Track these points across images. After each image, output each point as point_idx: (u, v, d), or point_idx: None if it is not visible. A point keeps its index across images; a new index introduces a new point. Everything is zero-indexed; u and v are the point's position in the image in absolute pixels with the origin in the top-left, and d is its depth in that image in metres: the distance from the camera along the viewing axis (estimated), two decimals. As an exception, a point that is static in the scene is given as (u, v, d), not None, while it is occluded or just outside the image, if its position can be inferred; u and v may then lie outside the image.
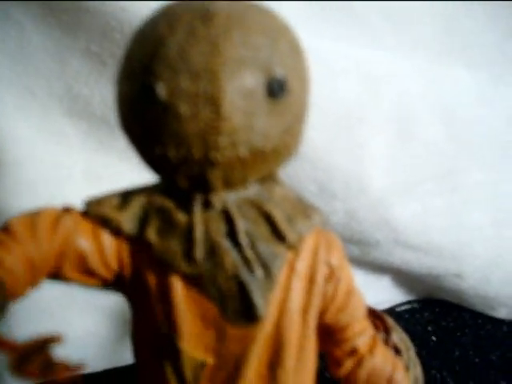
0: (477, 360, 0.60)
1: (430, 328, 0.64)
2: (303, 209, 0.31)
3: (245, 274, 0.29)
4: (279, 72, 0.26)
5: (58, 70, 0.48)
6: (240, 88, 0.25)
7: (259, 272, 0.29)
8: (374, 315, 0.44)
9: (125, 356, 0.60)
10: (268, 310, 0.30)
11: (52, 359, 0.23)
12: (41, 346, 0.23)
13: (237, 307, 0.29)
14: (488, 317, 0.66)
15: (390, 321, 0.41)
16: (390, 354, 0.35)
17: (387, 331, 0.40)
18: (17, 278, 0.26)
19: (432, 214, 0.57)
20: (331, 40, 0.51)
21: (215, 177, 0.27)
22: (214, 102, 0.25)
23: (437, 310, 0.67)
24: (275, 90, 0.26)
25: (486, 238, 0.60)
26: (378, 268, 0.63)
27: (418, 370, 0.40)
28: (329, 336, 0.34)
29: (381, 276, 0.65)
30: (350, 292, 0.33)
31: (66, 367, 0.22)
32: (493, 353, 0.61)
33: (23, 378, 0.22)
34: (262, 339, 0.30)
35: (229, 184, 0.28)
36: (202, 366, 0.31)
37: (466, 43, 0.54)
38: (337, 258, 0.32)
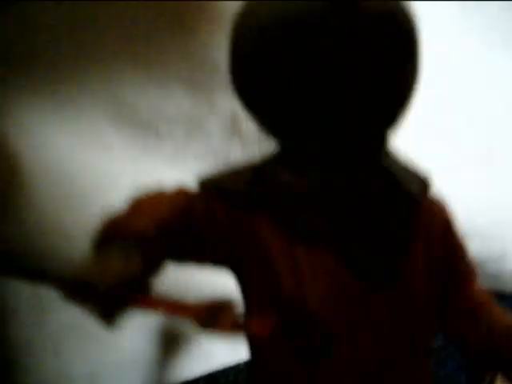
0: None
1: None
2: (416, 171, 0.32)
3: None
4: None
5: (102, 77, 0.47)
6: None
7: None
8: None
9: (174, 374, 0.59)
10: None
11: (237, 316, 0.22)
12: (221, 306, 0.22)
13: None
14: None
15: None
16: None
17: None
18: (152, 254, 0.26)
19: (475, 197, 0.58)
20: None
21: None
22: None
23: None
24: None
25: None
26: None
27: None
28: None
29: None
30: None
31: (254, 322, 0.21)
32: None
33: (216, 332, 0.21)
34: (393, 304, 0.30)
35: None
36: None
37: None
38: (449, 214, 0.34)
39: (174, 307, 0.22)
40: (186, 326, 0.58)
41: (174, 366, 0.60)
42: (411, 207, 0.30)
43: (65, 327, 0.53)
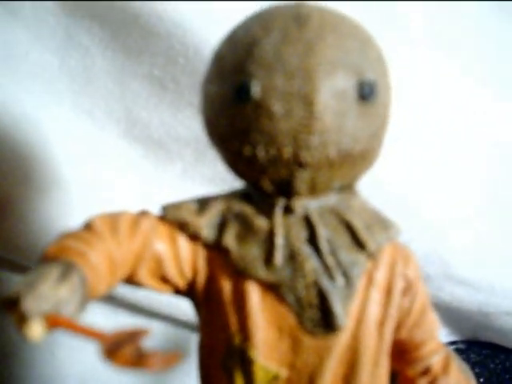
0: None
1: (477, 370, 0.62)
2: (381, 220, 0.31)
3: (325, 282, 0.28)
4: (370, 75, 0.26)
5: (119, 92, 0.49)
6: (333, 88, 0.25)
7: (340, 279, 0.28)
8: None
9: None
10: (346, 320, 0.29)
11: (143, 349, 0.22)
12: (130, 337, 0.22)
13: (315, 316, 0.29)
14: (538, 360, 0.64)
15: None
16: (463, 375, 0.34)
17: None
18: (99, 275, 0.26)
19: (484, 248, 0.56)
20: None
21: (302, 180, 0.27)
22: (307, 101, 0.25)
23: (483, 351, 0.65)
24: (366, 92, 0.26)
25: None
26: (427, 305, 0.61)
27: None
28: (402, 354, 0.33)
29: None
30: (426, 308, 0.32)
31: (159, 357, 0.22)
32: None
33: (116, 364, 0.22)
34: (338, 351, 0.30)
35: (313, 188, 0.28)
36: (275, 379, 0.30)
37: None
38: (413, 271, 0.31)
39: (85, 331, 0.23)
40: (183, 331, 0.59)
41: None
42: (368, 258, 0.30)
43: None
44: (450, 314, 0.63)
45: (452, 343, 0.66)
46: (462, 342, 0.67)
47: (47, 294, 0.23)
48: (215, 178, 0.52)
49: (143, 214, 0.30)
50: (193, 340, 0.60)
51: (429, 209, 0.54)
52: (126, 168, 0.52)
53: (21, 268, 0.51)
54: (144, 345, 0.23)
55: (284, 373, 0.30)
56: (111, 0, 0.45)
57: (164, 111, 0.50)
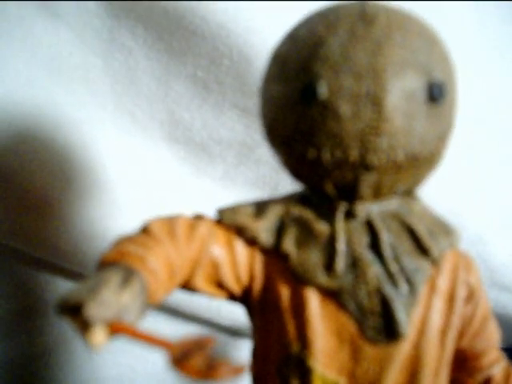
0: None
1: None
2: (442, 226, 0.30)
3: (388, 289, 0.27)
4: (438, 75, 0.25)
5: (162, 94, 0.49)
6: (402, 89, 0.25)
7: (404, 287, 0.27)
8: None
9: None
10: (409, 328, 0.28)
11: (212, 358, 0.21)
12: (198, 346, 0.22)
13: (377, 324, 0.28)
14: None
15: None
16: None
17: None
18: (158, 281, 0.26)
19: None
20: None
21: (367, 184, 0.26)
22: (376, 102, 0.24)
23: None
24: (435, 93, 0.25)
25: None
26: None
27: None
28: (462, 363, 0.32)
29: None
30: (487, 316, 0.31)
31: (227, 367, 0.21)
32: None
33: (185, 373, 0.21)
34: (400, 361, 0.29)
35: (377, 193, 0.27)
36: (333, 387, 0.29)
37: None
38: (476, 279, 0.30)
39: (151, 339, 0.22)
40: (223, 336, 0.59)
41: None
42: (432, 264, 0.29)
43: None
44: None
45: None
46: (504, 349, 0.65)
47: (110, 301, 0.22)
48: (258, 181, 0.52)
49: (199, 218, 0.30)
50: (231, 345, 0.60)
51: (472, 213, 0.53)
52: (168, 170, 0.51)
53: (63, 271, 0.51)
54: (211, 354, 0.22)
55: (343, 382, 0.29)
56: (154, 0, 0.44)
57: (207, 113, 0.49)
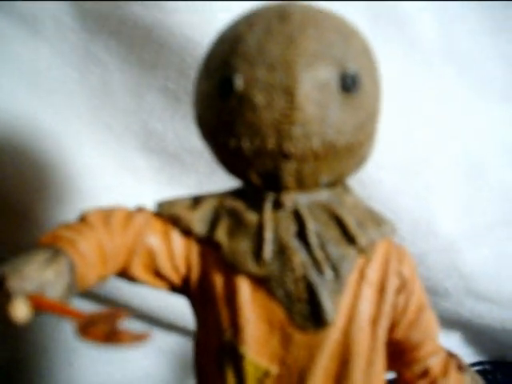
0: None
1: (504, 391, 0.60)
2: (374, 217, 0.31)
3: (313, 275, 0.28)
4: (352, 67, 0.27)
5: (135, 105, 0.51)
6: (314, 80, 0.26)
7: (328, 273, 0.28)
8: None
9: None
10: (336, 315, 0.29)
11: (117, 327, 0.23)
12: (106, 317, 0.23)
13: (304, 310, 0.29)
14: None
15: (463, 361, 0.39)
16: (463, 378, 0.33)
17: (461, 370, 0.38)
18: (88, 264, 0.27)
19: (504, 262, 0.55)
20: (394, 80, 0.51)
21: (288, 171, 0.27)
22: (288, 92, 0.26)
23: (511, 371, 0.62)
24: (348, 84, 0.26)
25: None
26: (447, 322, 0.60)
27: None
28: (399, 355, 0.32)
29: (450, 332, 0.62)
30: (422, 307, 0.32)
31: (130, 335, 0.22)
32: None
33: (88, 339, 0.22)
34: (329, 348, 0.29)
35: (301, 181, 0.28)
36: (265, 375, 0.30)
37: None
38: (408, 270, 0.31)
39: (64, 310, 0.23)
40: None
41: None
42: (359, 253, 0.29)
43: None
44: (473, 332, 0.61)
45: (479, 364, 0.65)
46: (489, 362, 0.65)
47: (32, 275, 0.24)
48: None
49: (138, 209, 0.31)
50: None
51: (446, 221, 0.53)
52: (142, 180, 0.53)
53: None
54: (121, 325, 0.23)
55: (274, 369, 0.30)
56: (119, 0, 0.46)
57: (178, 123, 0.51)
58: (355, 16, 0.48)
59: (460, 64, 0.54)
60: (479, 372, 0.63)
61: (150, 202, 0.52)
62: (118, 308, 0.24)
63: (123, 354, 0.59)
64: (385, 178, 0.51)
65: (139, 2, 0.45)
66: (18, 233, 0.49)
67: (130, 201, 0.52)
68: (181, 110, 0.50)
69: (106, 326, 0.22)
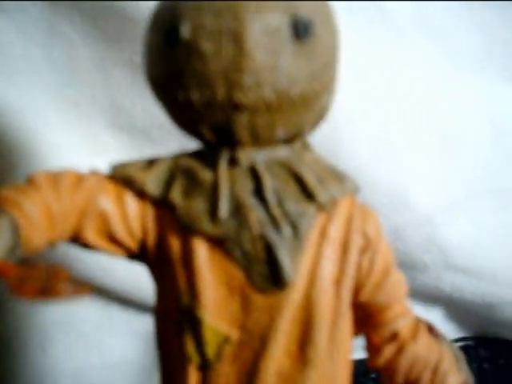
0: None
1: (485, 366, 0.60)
2: (335, 174, 0.30)
3: (271, 233, 0.27)
4: (303, 13, 0.25)
5: (102, 81, 0.49)
6: (263, 25, 0.25)
7: (287, 230, 0.27)
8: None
9: None
10: (297, 275, 0.28)
11: (54, 282, 0.21)
12: (45, 273, 0.22)
13: (263, 270, 0.28)
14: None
15: (439, 330, 0.38)
16: (435, 342, 0.32)
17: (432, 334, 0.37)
18: (33, 225, 0.26)
19: (484, 234, 0.54)
20: (368, 52, 0.50)
21: (240, 124, 0.26)
22: (236, 39, 0.25)
23: (493, 346, 0.62)
24: (300, 30, 0.25)
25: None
26: (427, 297, 0.59)
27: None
28: (366, 319, 0.31)
29: (431, 308, 0.61)
30: (389, 268, 0.31)
31: (68, 288, 0.21)
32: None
33: (20, 296, 0.21)
34: (291, 311, 0.28)
35: (255, 135, 0.27)
36: (225, 340, 0.29)
37: (507, 55, 0.53)
38: (373, 228, 0.30)
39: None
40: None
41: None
42: (319, 210, 0.28)
43: (53, 321, 0.54)
44: (454, 307, 0.61)
45: (461, 339, 0.64)
46: (471, 338, 0.64)
47: None
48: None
49: (90, 172, 0.30)
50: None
51: (422, 194, 0.52)
52: (111, 156, 0.51)
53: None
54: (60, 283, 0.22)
55: (235, 334, 0.29)
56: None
57: (147, 99, 0.50)
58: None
59: (435, 35, 0.53)
60: (462, 348, 0.62)
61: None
62: (57, 266, 0.23)
63: (99, 339, 0.57)
64: (358, 150, 0.50)
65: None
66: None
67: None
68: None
69: (40, 282, 0.21)
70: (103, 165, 0.51)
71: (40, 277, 0.21)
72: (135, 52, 0.48)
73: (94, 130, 0.51)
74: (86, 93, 0.50)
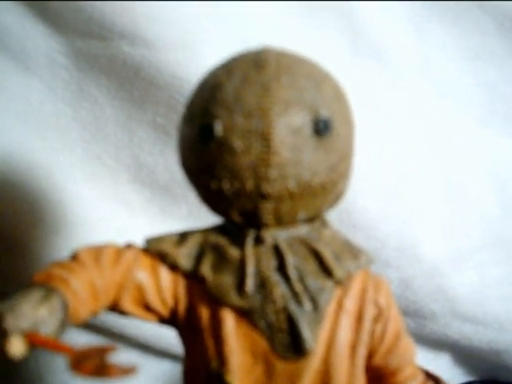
0: None
1: (494, 409, 0.61)
2: (351, 249, 0.32)
3: (293, 307, 0.30)
4: (324, 112, 0.28)
5: (126, 139, 0.53)
6: (288, 125, 0.28)
7: (307, 305, 0.30)
8: (430, 377, 0.43)
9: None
10: (316, 344, 0.30)
11: (107, 362, 0.24)
12: (97, 352, 0.25)
13: (285, 340, 0.30)
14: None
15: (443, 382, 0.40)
16: None
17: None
18: (80, 301, 0.28)
19: (489, 284, 0.57)
20: (375, 104, 0.53)
21: (266, 210, 0.29)
22: (264, 137, 0.27)
23: (501, 391, 0.64)
24: (321, 128, 0.28)
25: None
26: (436, 344, 0.61)
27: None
28: (379, 381, 0.34)
29: (439, 353, 0.63)
30: (399, 334, 0.33)
31: (118, 369, 0.24)
32: None
33: (79, 374, 0.24)
34: (311, 376, 0.31)
35: (279, 219, 0.30)
36: (251, 402, 0.31)
37: (510, 111, 0.56)
38: (385, 298, 0.33)
39: (57, 346, 0.25)
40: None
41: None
42: (336, 285, 0.31)
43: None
44: (462, 353, 0.63)
45: (469, 383, 0.66)
46: (479, 381, 0.66)
47: (27, 313, 0.25)
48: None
49: (128, 246, 0.33)
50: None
51: (429, 246, 0.55)
52: (135, 211, 0.54)
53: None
54: (110, 359, 0.25)
55: (260, 397, 0.31)
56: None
57: (168, 156, 0.53)
58: (335, 41, 0.51)
59: (439, 90, 0.57)
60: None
61: (141, 233, 0.54)
62: (107, 344, 0.25)
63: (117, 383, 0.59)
64: (368, 206, 0.53)
65: (128, 41, 0.47)
66: (17, 267, 0.50)
67: (122, 232, 0.54)
68: (170, 144, 0.52)
69: (96, 361, 0.24)
70: (126, 217, 0.55)
71: (95, 356, 0.24)
72: (158, 113, 0.51)
73: (118, 185, 0.54)
74: (110, 150, 0.53)
